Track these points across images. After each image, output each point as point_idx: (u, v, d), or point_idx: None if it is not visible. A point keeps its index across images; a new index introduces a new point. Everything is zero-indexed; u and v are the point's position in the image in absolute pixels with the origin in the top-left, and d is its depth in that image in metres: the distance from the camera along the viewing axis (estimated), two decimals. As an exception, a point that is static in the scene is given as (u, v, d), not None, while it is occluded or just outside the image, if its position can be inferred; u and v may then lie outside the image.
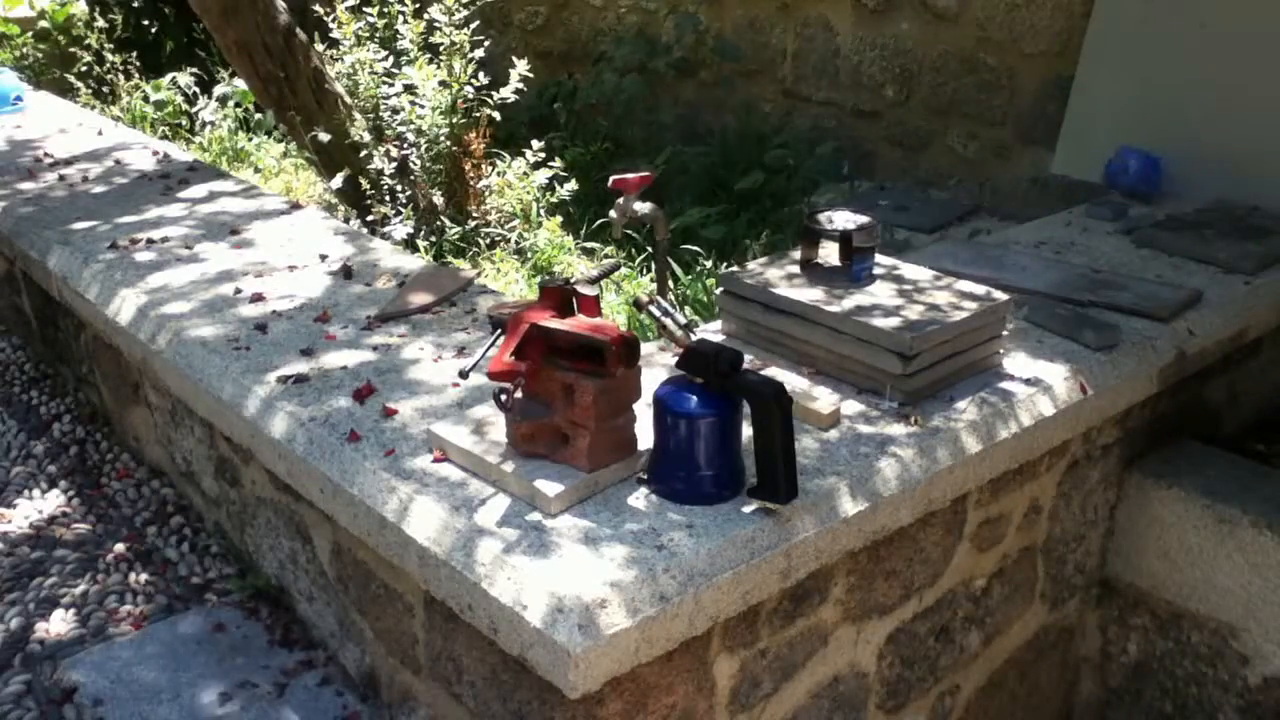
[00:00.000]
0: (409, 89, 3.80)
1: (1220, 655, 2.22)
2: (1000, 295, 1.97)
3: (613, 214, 2.40)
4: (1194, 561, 2.19)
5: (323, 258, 2.55)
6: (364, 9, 4.10)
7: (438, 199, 3.79)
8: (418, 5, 3.93)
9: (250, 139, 4.85)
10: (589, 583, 1.38)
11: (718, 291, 2.12)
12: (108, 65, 5.14)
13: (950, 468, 1.74)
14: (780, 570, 1.53)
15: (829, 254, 2.03)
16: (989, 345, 1.95)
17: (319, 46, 3.96)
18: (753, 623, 1.58)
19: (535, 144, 3.80)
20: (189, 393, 2.11)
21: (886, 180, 4.14)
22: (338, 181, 3.76)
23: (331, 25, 3.97)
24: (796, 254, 2.08)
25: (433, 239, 3.68)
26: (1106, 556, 2.33)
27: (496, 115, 3.79)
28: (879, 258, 2.05)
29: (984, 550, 2.00)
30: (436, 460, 1.66)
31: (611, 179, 2.35)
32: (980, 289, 1.98)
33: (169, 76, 5.15)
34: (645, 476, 1.58)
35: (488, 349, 1.59)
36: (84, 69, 5.15)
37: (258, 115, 4.91)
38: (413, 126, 3.74)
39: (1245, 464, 2.29)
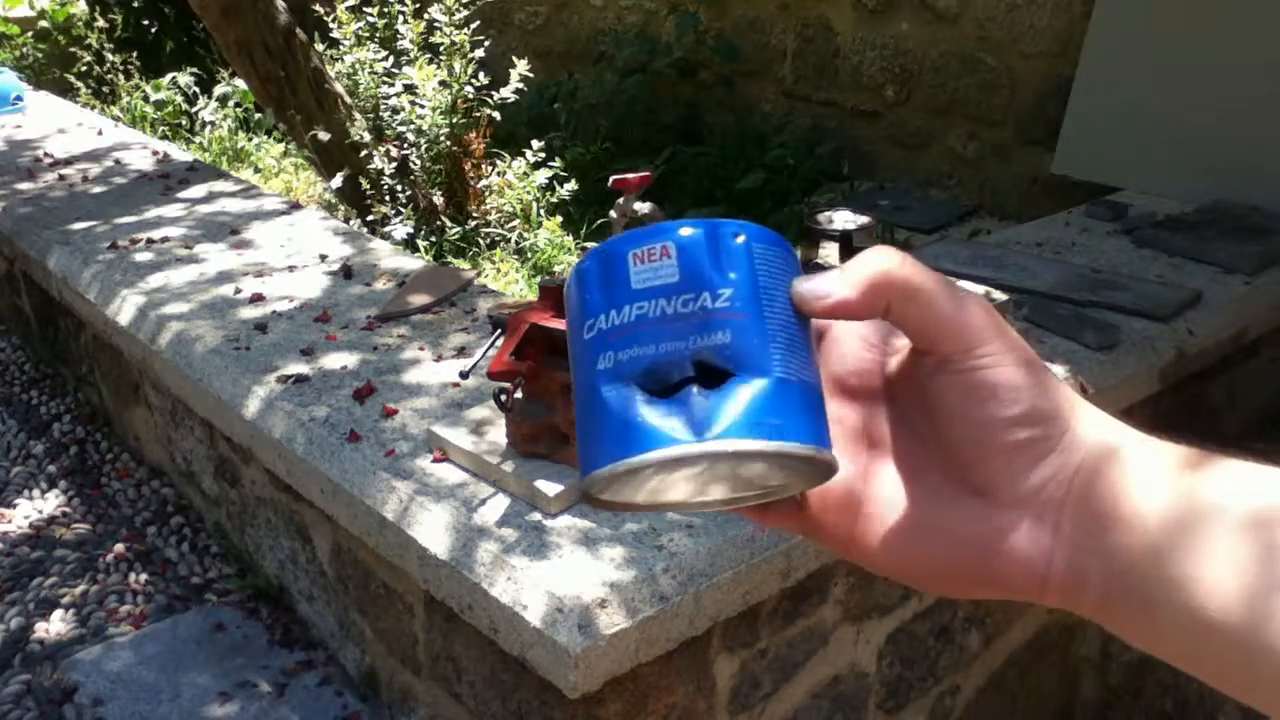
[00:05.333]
0: (409, 89, 3.79)
1: (1220, 655, 2.22)
2: (1000, 295, 1.97)
3: (613, 214, 2.39)
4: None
5: (322, 258, 2.55)
6: (364, 9, 4.10)
7: (438, 199, 3.78)
8: (418, 5, 3.92)
9: (250, 139, 4.85)
10: (589, 583, 1.38)
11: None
12: (108, 65, 5.14)
13: (950, 468, 1.74)
14: (780, 570, 1.53)
15: (829, 254, 2.03)
16: (989, 345, 1.95)
17: (319, 46, 3.96)
18: (753, 623, 1.58)
19: (535, 144, 3.80)
20: (189, 393, 2.11)
21: (886, 180, 4.14)
22: (337, 181, 3.75)
23: (331, 25, 3.97)
24: (796, 254, 2.08)
25: (433, 239, 3.68)
26: (1106, 556, 2.32)
27: (496, 115, 3.79)
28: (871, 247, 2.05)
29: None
30: (436, 460, 1.66)
31: (611, 179, 2.34)
32: (980, 289, 1.98)
33: (169, 76, 5.14)
34: (645, 476, 1.58)
35: (488, 349, 1.59)
36: (84, 69, 5.15)
37: (258, 115, 4.91)
38: (413, 126, 3.74)
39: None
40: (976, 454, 0.42)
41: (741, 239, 0.43)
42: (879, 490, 0.45)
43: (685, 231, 0.42)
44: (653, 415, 0.40)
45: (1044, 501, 0.41)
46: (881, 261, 0.42)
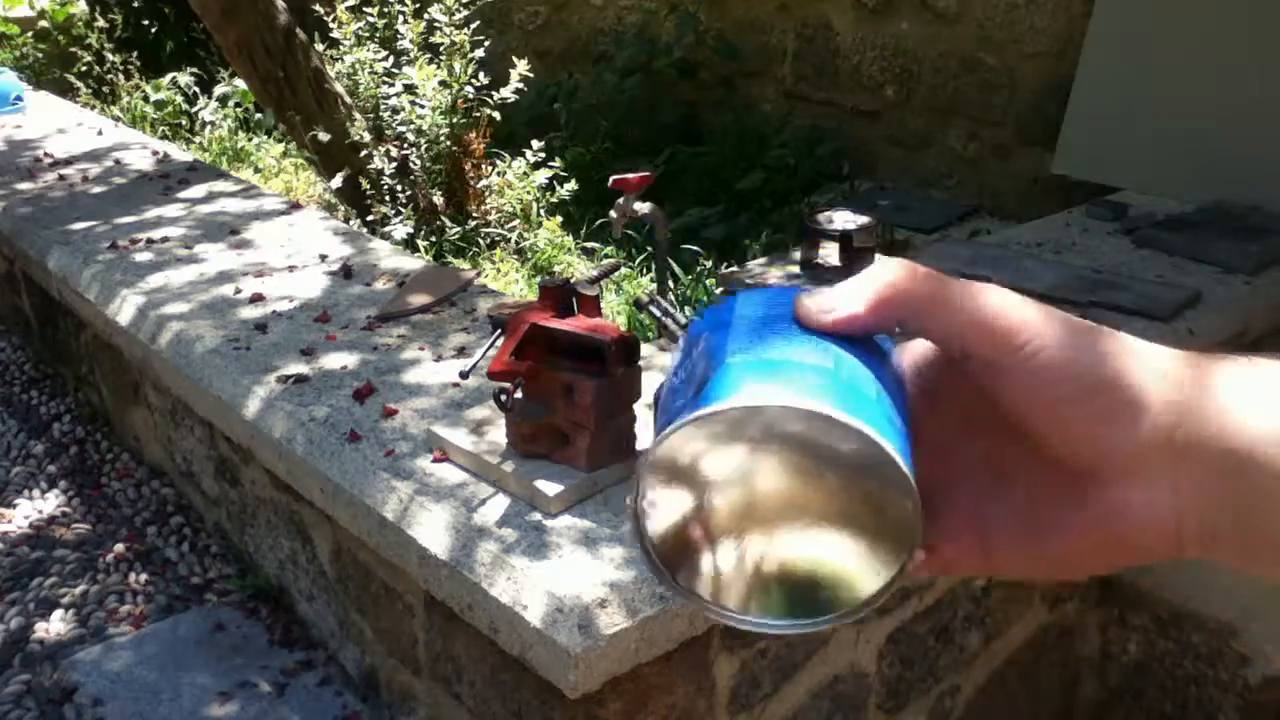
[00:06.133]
0: (409, 89, 3.79)
1: (1220, 655, 2.22)
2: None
3: (613, 214, 2.40)
4: (1194, 561, 2.19)
5: (322, 258, 2.55)
6: (364, 9, 4.10)
7: (438, 199, 3.78)
8: (418, 5, 3.92)
9: (250, 139, 4.85)
10: (589, 582, 1.38)
11: (717, 291, 2.12)
12: (108, 65, 5.14)
13: (950, 468, 1.74)
14: (780, 570, 1.52)
15: (829, 254, 2.03)
16: (989, 345, 1.95)
17: (319, 46, 3.96)
18: (753, 623, 1.58)
19: (535, 144, 3.80)
20: (189, 393, 2.11)
21: (886, 180, 4.14)
22: (337, 181, 3.75)
23: (331, 25, 3.97)
24: (796, 254, 2.08)
25: (433, 239, 3.68)
26: (1106, 556, 2.32)
27: (496, 115, 3.79)
28: (879, 258, 2.05)
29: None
30: (436, 460, 1.66)
31: (611, 179, 2.35)
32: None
33: (169, 76, 5.15)
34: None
35: (488, 349, 1.59)
36: (84, 69, 5.15)
37: (258, 115, 4.91)
38: (413, 126, 3.74)
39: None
40: (1060, 436, 0.41)
41: (731, 295, 0.47)
42: (987, 508, 0.44)
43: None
44: None
45: (1149, 465, 0.40)
46: (889, 275, 0.42)
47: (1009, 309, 0.41)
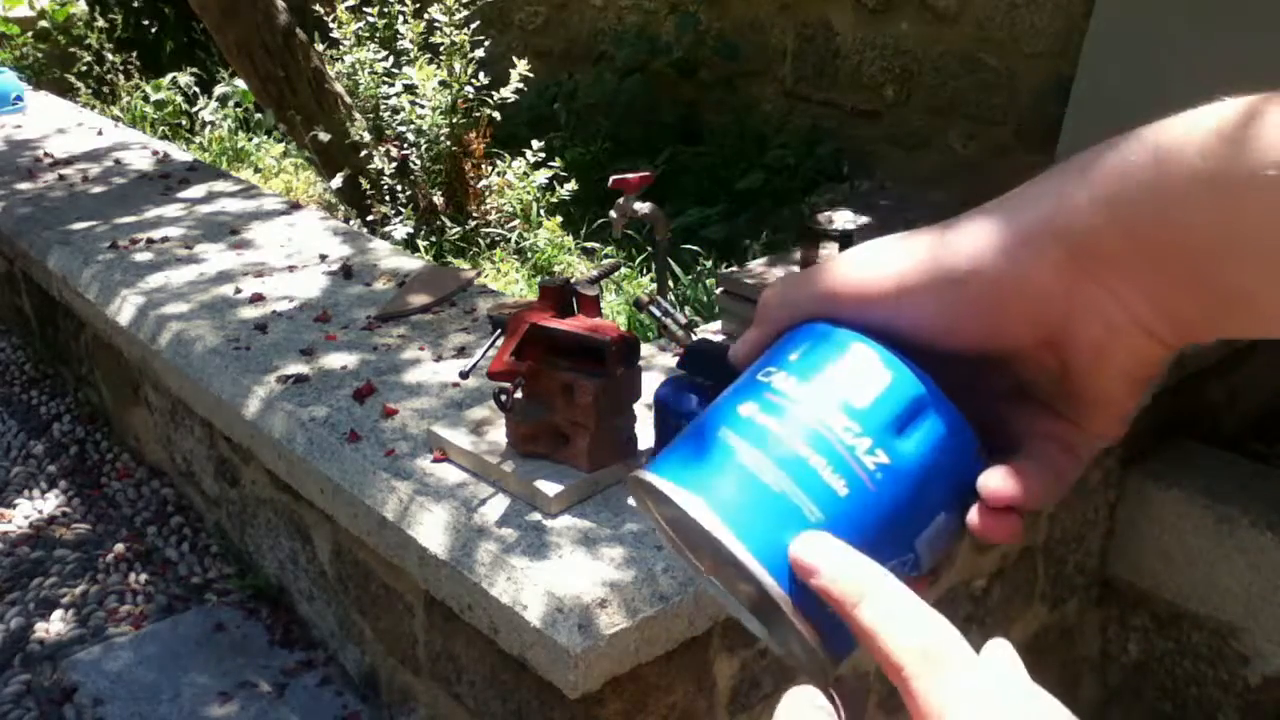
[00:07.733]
0: (409, 89, 3.79)
1: (1220, 655, 2.22)
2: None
3: (613, 214, 2.39)
4: (1194, 561, 2.19)
5: (322, 258, 2.55)
6: (364, 9, 4.10)
7: (438, 199, 3.78)
8: (418, 5, 3.92)
9: (250, 139, 4.85)
10: (589, 582, 1.38)
11: (718, 291, 2.12)
12: (108, 65, 5.14)
13: (950, 468, 1.74)
14: (780, 570, 1.52)
15: (829, 254, 2.03)
16: (989, 345, 1.95)
17: (319, 46, 3.96)
18: (753, 623, 1.58)
19: (535, 144, 3.79)
20: (189, 393, 2.11)
21: (886, 180, 4.14)
22: (337, 181, 3.75)
23: (331, 25, 3.96)
24: (796, 254, 2.08)
25: (433, 239, 3.68)
26: (1106, 557, 2.33)
27: (496, 115, 3.79)
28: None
29: (984, 551, 2.00)
30: (436, 460, 1.66)
31: (611, 179, 2.35)
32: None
33: (169, 76, 5.14)
34: (645, 476, 1.58)
35: (488, 349, 1.59)
36: (84, 69, 5.14)
37: (258, 115, 4.91)
38: (413, 126, 3.74)
39: (1245, 464, 2.29)
40: (984, 339, 0.40)
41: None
42: (1051, 402, 0.43)
43: None
44: None
45: (1078, 301, 0.39)
46: (760, 301, 0.45)
47: (848, 273, 0.42)
